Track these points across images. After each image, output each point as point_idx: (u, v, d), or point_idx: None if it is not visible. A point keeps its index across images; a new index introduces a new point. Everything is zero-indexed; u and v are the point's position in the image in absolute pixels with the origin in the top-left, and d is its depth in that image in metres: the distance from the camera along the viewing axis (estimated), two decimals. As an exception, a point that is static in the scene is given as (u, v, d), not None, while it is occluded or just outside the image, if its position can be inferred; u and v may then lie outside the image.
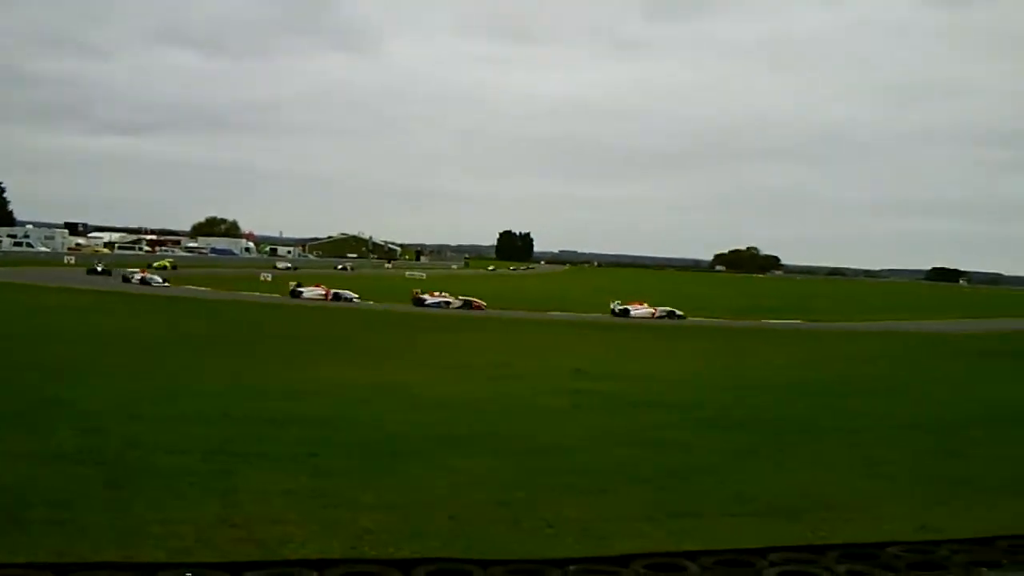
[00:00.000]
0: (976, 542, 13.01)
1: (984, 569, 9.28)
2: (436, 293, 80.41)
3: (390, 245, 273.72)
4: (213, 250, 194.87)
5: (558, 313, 74.71)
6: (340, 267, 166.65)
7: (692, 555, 11.74)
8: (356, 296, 79.75)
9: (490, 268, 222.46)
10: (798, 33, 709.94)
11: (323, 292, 79.63)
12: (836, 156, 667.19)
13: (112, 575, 10.23)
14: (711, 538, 13.64)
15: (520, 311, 74.88)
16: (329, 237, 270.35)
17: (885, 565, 11.56)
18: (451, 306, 75.91)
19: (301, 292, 79.62)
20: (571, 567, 11.04)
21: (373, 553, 12.36)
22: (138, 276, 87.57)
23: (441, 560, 11.42)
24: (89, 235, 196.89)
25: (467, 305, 76.29)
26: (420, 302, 76.41)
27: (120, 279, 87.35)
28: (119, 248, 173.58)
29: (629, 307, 76.34)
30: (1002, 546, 12.67)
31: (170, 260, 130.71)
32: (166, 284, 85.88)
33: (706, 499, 16.64)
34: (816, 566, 11.42)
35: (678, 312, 76.64)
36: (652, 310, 76.61)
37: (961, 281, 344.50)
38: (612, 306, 76.86)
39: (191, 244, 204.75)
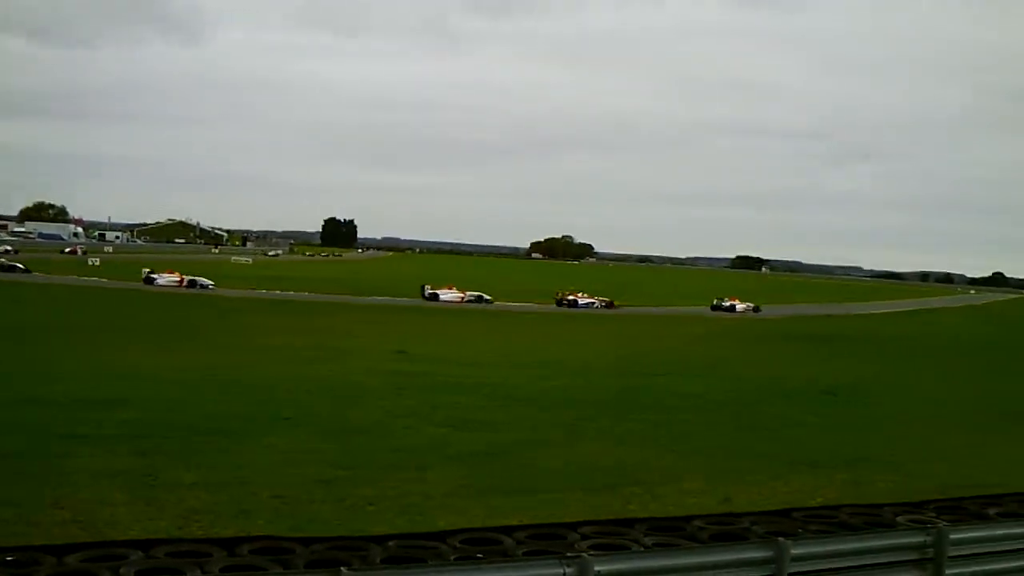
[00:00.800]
0: (774, 514, 13.69)
1: (781, 539, 9.78)
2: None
3: (217, 231, 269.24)
4: (41, 235, 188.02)
5: (378, 297, 74.47)
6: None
7: (508, 530, 12.02)
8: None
9: (307, 254, 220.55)
10: (620, 31, 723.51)
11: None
12: (649, 148, 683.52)
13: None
14: (525, 513, 13.97)
15: (344, 295, 74.31)
16: (157, 223, 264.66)
17: (690, 537, 12.06)
18: None
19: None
20: (392, 543, 11.17)
21: (200, 532, 12.29)
22: None
23: (266, 538, 11.42)
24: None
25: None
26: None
27: None
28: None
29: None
30: (798, 517, 13.37)
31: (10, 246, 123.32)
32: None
33: (520, 476, 17.01)
34: (626, 538, 11.83)
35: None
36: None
37: (763, 268, 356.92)
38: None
39: (18, 229, 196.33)
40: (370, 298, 73.59)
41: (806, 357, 44.37)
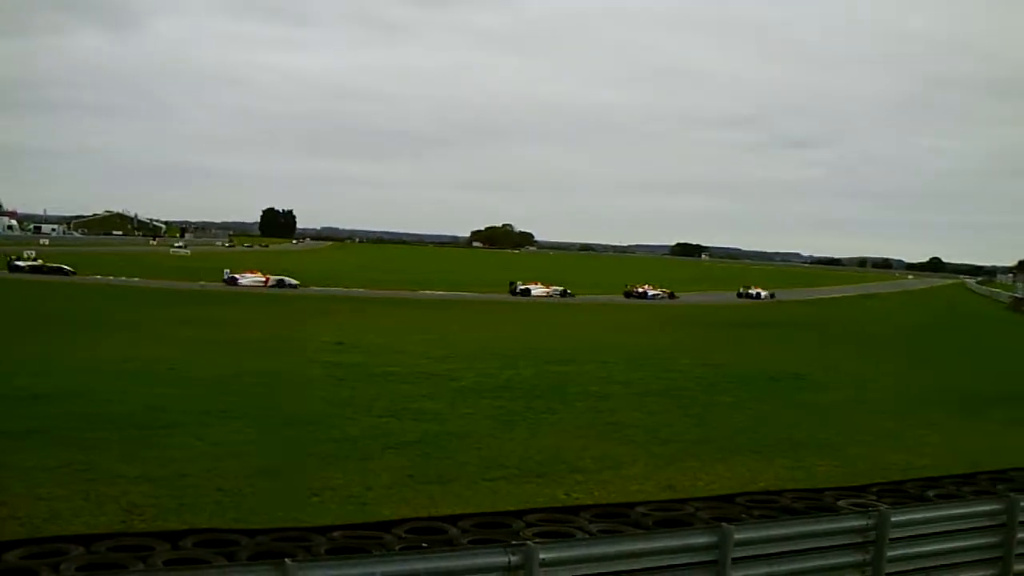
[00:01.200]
0: (717, 499, 13.80)
1: (725, 524, 9.85)
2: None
3: (155, 222, 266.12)
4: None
5: (317, 288, 73.95)
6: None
7: (452, 519, 12.00)
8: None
9: (247, 245, 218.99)
10: (552, 20, 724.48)
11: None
12: (590, 136, 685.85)
13: None
14: (468, 502, 13.99)
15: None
16: (95, 215, 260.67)
17: (635, 523, 12.11)
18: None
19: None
20: (336, 534, 11.11)
21: (143, 526, 12.16)
22: None
23: (209, 531, 11.32)
24: None
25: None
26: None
27: None
28: None
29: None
30: (741, 502, 13.48)
31: None
32: None
33: (463, 465, 17.01)
34: (571, 526, 11.85)
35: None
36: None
37: (703, 256, 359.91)
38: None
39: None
40: (312, 288, 73.10)
41: (746, 344, 44.73)
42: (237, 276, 74.53)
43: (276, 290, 70.83)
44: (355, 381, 26.36)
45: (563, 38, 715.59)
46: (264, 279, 75.06)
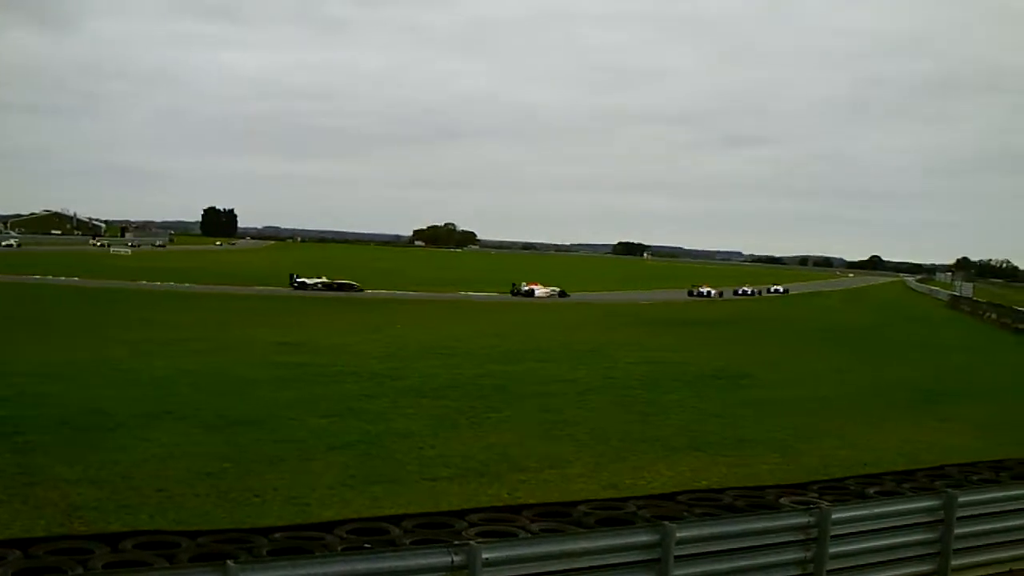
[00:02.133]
0: (659, 497, 13.85)
1: (667, 522, 9.89)
2: None
3: (95, 222, 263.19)
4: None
5: (259, 287, 73.44)
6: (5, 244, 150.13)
7: (395, 519, 11.94)
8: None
9: (158, 244, 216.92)
10: (496, 18, 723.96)
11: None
12: (532, 135, 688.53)
13: None
14: (411, 502, 13.98)
15: (226, 285, 73.07)
16: (32, 214, 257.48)
17: (577, 522, 12.12)
18: None
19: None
20: (277, 535, 11.03)
21: (83, 528, 12.02)
22: None
23: (150, 532, 11.19)
24: None
25: None
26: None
27: None
28: None
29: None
30: (683, 500, 13.54)
31: None
32: None
33: (405, 465, 16.99)
34: (513, 525, 11.84)
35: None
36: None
37: (645, 255, 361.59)
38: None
39: None
40: (251, 288, 72.57)
41: (685, 342, 44.99)
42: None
43: (215, 288, 70.27)
44: (299, 381, 26.19)
45: (505, 36, 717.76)
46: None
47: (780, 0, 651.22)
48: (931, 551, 11.66)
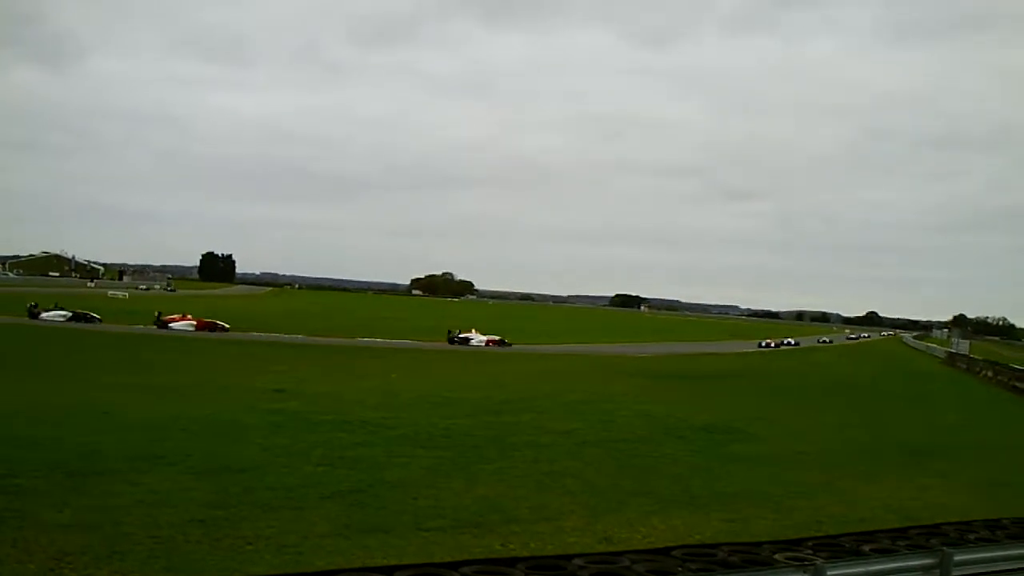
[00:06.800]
0: (653, 552, 13.74)
1: (661, 577, 9.82)
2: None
3: (93, 264, 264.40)
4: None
5: (257, 334, 73.48)
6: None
7: (388, 570, 11.84)
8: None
9: (163, 287, 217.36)
10: (497, 65, 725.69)
11: None
12: (530, 185, 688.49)
13: None
14: (404, 553, 13.87)
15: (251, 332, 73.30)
16: (31, 255, 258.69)
17: (571, 575, 12.02)
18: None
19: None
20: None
21: (72, 575, 11.94)
22: None
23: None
24: None
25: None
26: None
27: None
28: None
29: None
30: (678, 555, 13.43)
31: None
32: None
33: (398, 515, 16.85)
34: (506, 578, 11.74)
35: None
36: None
37: (642, 307, 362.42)
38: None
39: None
40: (252, 334, 72.58)
41: (680, 395, 44.89)
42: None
43: (209, 334, 70.38)
44: (293, 428, 26.09)
45: (506, 84, 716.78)
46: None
47: (782, 55, 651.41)
48: (927, 610, 11.57)
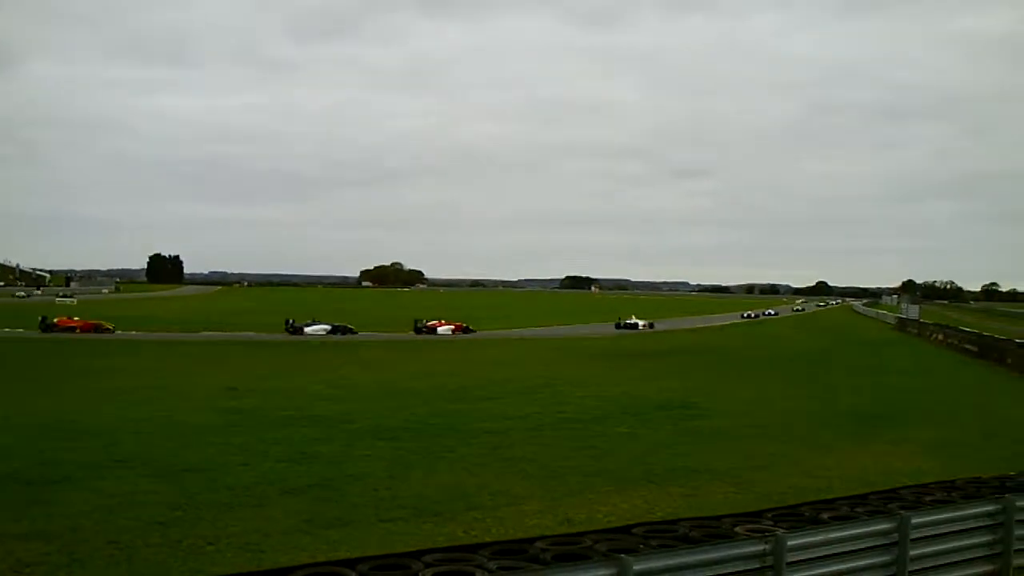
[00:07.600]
0: (615, 531, 13.76)
1: (623, 556, 9.82)
2: None
3: (38, 272, 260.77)
4: None
5: (209, 333, 72.82)
6: None
7: (350, 563, 11.77)
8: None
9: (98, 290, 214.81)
10: (438, 55, 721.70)
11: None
12: (475, 172, 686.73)
13: None
14: (367, 544, 13.82)
15: (173, 332, 72.40)
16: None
17: (534, 559, 12.01)
18: None
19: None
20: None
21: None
22: None
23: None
24: None
25: None
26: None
27: None
28: None
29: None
30: (638, 533, 13.46)
31: None
32: None
33: (359, 507, 16.83)
34: (470, 564, 11.71)
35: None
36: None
37: (592, 288, 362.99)
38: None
39: None
40: (201, 334, 71.95)
41: (635, 373, 45.11)
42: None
43: (159, 336, 69.53)
44: (245, 426, 25.92)
45: (448, 74, 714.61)
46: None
47: (724, 30, 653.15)
48: (887, 574, 11.69)
